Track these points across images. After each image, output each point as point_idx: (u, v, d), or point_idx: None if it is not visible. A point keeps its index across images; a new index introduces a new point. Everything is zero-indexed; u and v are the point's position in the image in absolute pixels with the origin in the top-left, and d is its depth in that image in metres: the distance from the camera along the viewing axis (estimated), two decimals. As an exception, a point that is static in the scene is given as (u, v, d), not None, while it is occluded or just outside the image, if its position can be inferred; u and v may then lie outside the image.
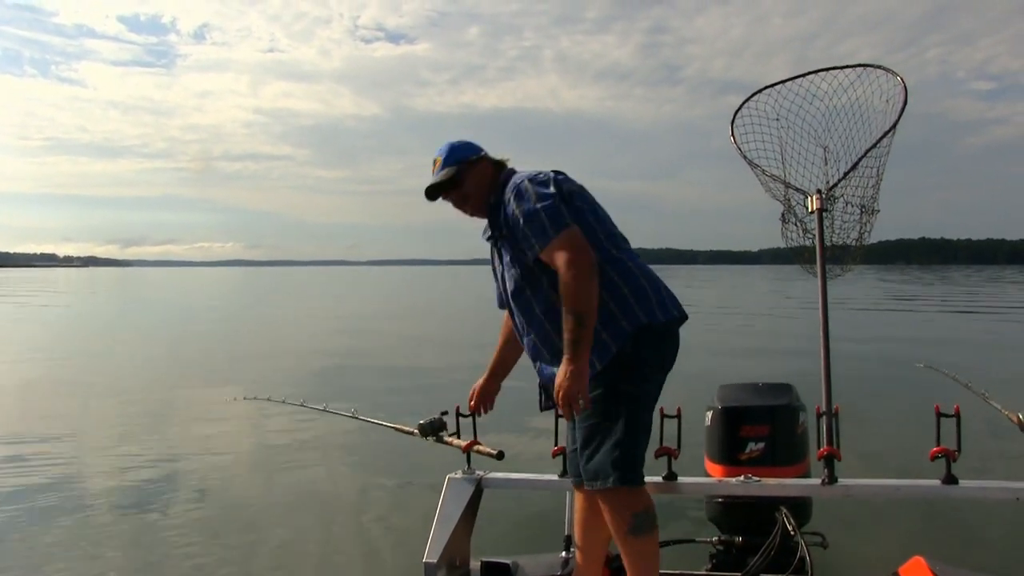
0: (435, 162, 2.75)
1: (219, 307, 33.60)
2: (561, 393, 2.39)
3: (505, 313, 2.93)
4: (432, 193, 2.74)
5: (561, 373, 2.40)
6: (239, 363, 13.50)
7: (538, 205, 2.49)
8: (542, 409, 2.74)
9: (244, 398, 4.04)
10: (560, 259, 2.43)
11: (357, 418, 3.51)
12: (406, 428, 3.25)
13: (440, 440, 3.11)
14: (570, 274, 2.41)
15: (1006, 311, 25.36)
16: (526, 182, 2.57)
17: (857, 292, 33.74)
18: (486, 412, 3.03)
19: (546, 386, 2.67)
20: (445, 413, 3.14)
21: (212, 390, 10.23)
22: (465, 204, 2.74)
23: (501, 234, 2.65)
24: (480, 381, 3.02)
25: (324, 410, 3.66)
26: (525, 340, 2.74)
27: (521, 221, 2.52)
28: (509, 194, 2.58)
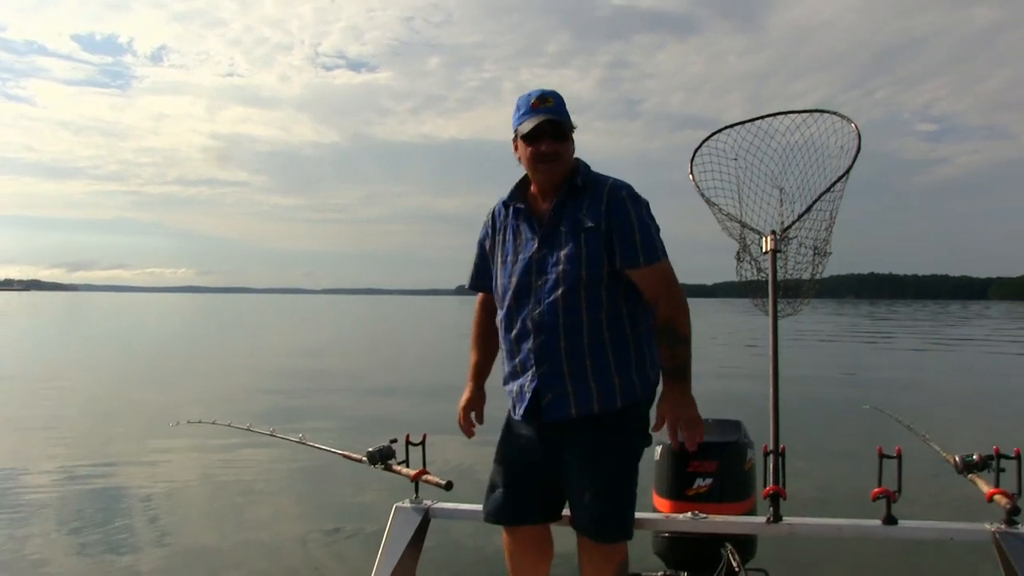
0: (545, 98, 2.51)
1: (165, 334, 32.91)
2: (685, 420, 2.46)
3: (478, 308, 2.89)
4: (555, 128, 2.49)
5: (677, 400, 2.47)
6: (184, 389, 13.21)
7: (653, 223, 2.51)
8: (521, 418, 2.61)
9: (188, 422, 3.95)
10: (666, 283, 2.49)
11: (305, 444, 3.46)
12: (354, 455, 3.20)
13: (388, 468, 3.07)
14: (680, 300, 2.49)
15: (951, 345, 25.91)
16: (640, 195, 2.56)
17: (808, 326, 34.25)
18: (480, 422, 2.88)
19: (539, 391, 2.52)
20: (394, 441, 3.10)
21: (155, 415, 9.97)
22: (556, 160, 2.50)
23: (580, 225, 2.48)
24: (466, 395, 2.87)
25: (271, 435, 3.59)
26: (529, 341, 2.52)
27: (636, 227, 2.45)
28: (622, 193, 2.50)
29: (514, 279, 2.56)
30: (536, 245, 2.53)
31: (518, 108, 2.54)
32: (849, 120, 3.24)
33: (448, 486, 2.88)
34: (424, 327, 39.59)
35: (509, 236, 2.63)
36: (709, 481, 3.09)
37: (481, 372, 2.90)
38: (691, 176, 3.43)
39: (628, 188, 2.54)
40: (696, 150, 3.44)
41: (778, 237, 3.20)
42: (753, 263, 3.34)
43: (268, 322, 46.59)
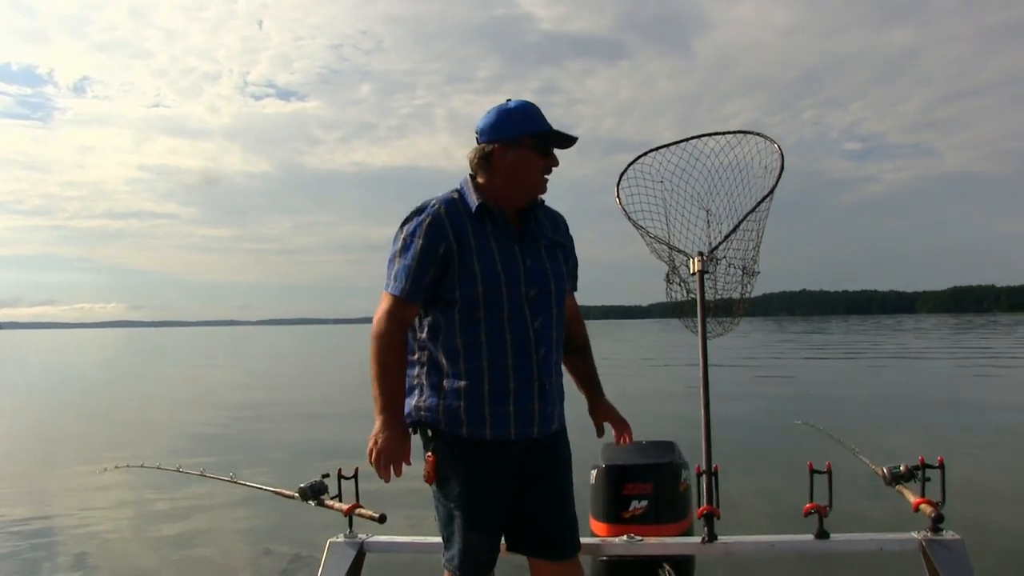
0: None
1: (94, 371, 31.83)
2: (627, 424, 2.71)
3: (401, 328, 2.44)
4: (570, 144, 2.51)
5: (610, 405, 2.72)
6: (113, 430, 12.77)
7: None
8: (509, 439, 2.40)
9: (116, 467, 3.83)
10: (577, 306, 2.74)
11: (236, 482, 3.37)
12: (286, 492, 3.14)
13: (321, 503, 3.01)
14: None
15: (881, 359, 26.55)
16: None
17: (741, 344, 34.81)
18: (408, 463, 2.40)
19: (527, 412, 2.41)
20: (327, 475, 3.05)
21: (82, 459, 9.58)
22: (548, 175, 2.50)
23: (555, 243, 2.57)
24: (392, 434, 2.37)
25: (201, 475, 3.50)
26: (531, 354, 2.41)
27: (574, 254, 2.69)
28: (560, 215, 2.67)
29: (505, 288, 2.38)
30: (519, 253, 2.44)
31: (527, 116, 2.43)
32: (772, 140, 3.31)
33: (382, 519, 2.83)
34: (358, 356, 39.15)
35: (483, 240, 2.41)
36: (645, 503, 3.10)
37: (402, 402, 2.49)
38: (618, 200, 3.46)
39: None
40: (622, 173, 3.47)
41: (706, 258, 3.25)
42: (682, 284, 3.38)
43: (200, 356, 45.53)
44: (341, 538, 2.94)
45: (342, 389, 20.63)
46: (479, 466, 2.42)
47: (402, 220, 2.46)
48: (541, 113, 2.46)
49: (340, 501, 2.99)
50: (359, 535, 2.94)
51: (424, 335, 2.47)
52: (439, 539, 2.88)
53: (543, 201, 2.56)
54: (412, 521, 2.80)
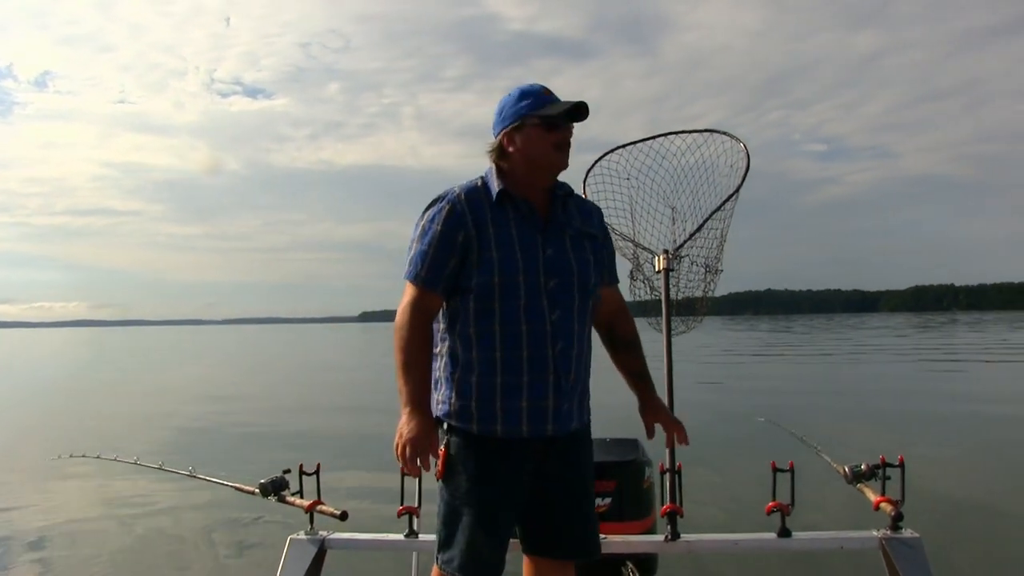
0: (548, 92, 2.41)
1: (52, 370, 31.34)
2: (677, 422, 2.56)
3: (424, 317, 2.36)
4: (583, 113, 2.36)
5: (662, 404, 2.60)
6: (71, 427, 12.61)
7: None
8: (525, 436, 2.29)
9: (71, 456, 3.75)
10: (624, 301, 2.67)
11: (196, 476, 3.32)
12: (247, 487, 3.10)
13: (282, 500, 2.97)
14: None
15: (845, 357, 26.90)
16: None
17: (707, 342, 35.08)
18: (436, 456, 2.32)
19: (540, 409, 2.29)
20: (287, 471, 3.01)
21: (38, 453, 9.42)
22: (567, 150, 2.38)
23: (585, 232, 2.44)
24: (418, 426, 2.25)
25: (160, 468, 3.44)
26: (549, 347, 2.29)
27: (613, 248, 2.63)
28: (600, 213, 2.61)
29: (523, 277, 2.29)
30: (541, 242, 2.34)
31: (524, 96, 2.37)
32: (738, 140, 3.32)
33: (343, 516, 2.80)
34: (323, 354, 39.04)
35: (503, 227, 2.33)
36: (608, 500, 3.09)
37: (428, 393, 2.38)
38: (584, 196, 3.45)
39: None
40: (589, 170, 3.47)
41: (670, 256, 3.25)
42: (646, 282, 3.38)
43: (163, 355, 45.02)
44: (302, 535, 2.90)
45: (304, 387, 20.54)
46: (490, 464, 2.31)
47: (424, 208, 2.41)
48: (544, 90, 2.38)
49: (301, 497, 2.95)
50: (320, 532, 2.91)
51: (444, 326, 2.38)
52: (401, 537, 2.86)
53: (571, 191, 2.48)
54: (374, 519, 2.79)
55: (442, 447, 2.34)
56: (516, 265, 2.29)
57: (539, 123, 2.32)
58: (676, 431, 2.55)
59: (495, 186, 2.36)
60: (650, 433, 2.56)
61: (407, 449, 2.22)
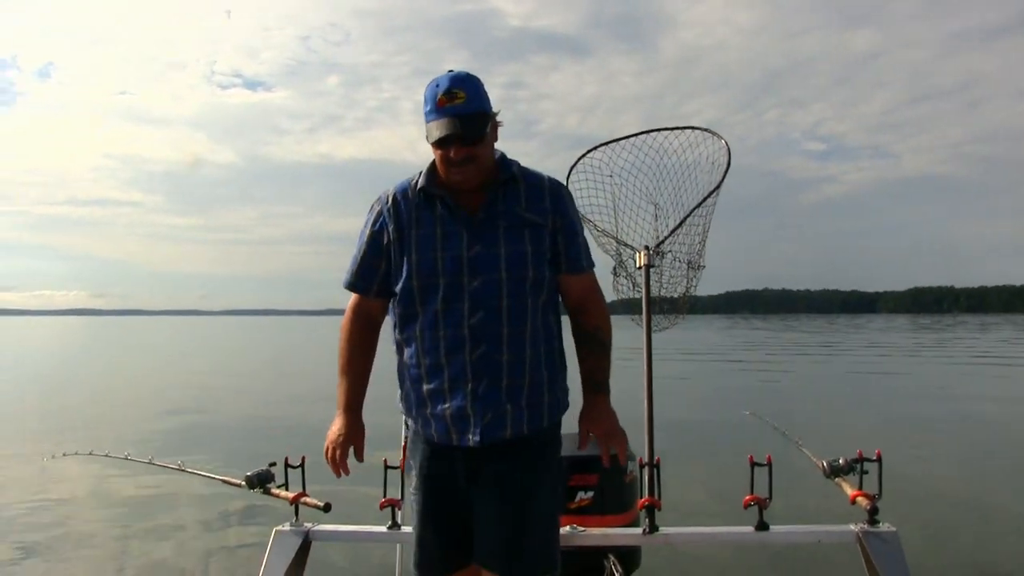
0: (454, 94, 2.13)
1: (50, 359, 31.40)
2: (616, 434, 2.31)
3: (353, 317, 2.38)
4: (468, 130, 2.12)
5: (604, 413, 2.32)
6: (65, 418, 12.60)
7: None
8: (449, 443, 2.21)
9: (64, 454, 3.78)
10: (595, 290, 2.37)
11: (184, 471, 3.36)
12: (233, 480, 3.12)
13: (267, 492, 3.00)
14: (606, 309, 2.35)
15: (837, 355, 26.91)
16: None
17: (704, 340, 35.06)
18: (360, 459, 2.39)
19: (478, 411, 2.17)
20: (273, 464, 3.04)
21: (31, 447, 9.50)
22: (469, 164, 2.16)
23: (522, 220, 2.21)
24: (342, 425, 2.35)
25: (150, 463, 3.47)
26: (464, 352, 2.17)
27: (577, 230, 2.31)
28: (562, 191, 2.32)
29: (442, 279, 2.18)
30: (467, 240, 2.18)
31: (425, 101, 2.17)
32: (719, 136, 3.35)
33: (327, 508, 2.83)
34: (316, 346, 39.04)
35: (427, 227, 2.23)
36: (591, 494, 3.12)
37: (358, 397, 2.41)
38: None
39: (565, 187, 2.37)
40: (572, 167, 3.49)
41: (652, 252, 3.27)
42: (629, 278, 3.40)
43: (159, 345, 45.02)
44: (287, 527, 2.93)
45: (295, 379, 20.58)
46: (430, 463, 2.28)
47: None
48: (438, 100, 2.14)
49: (286, 490, 2.98)
50: (305, 524, 2.93)
51: (391, 328, 2.35)
52: (383, 528, 2.90)
53: (515, 176, 2.26)
54: (358, 510, 2.82)
55: (403, 439, 2.44)
56: (434, 267, 2.19)
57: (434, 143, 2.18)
58: (614, 444, 2.32)
59: (421, 181, 2.26)
60: (582, 443, 2.37)
61: (327, 451, 2.32)
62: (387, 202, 2.29)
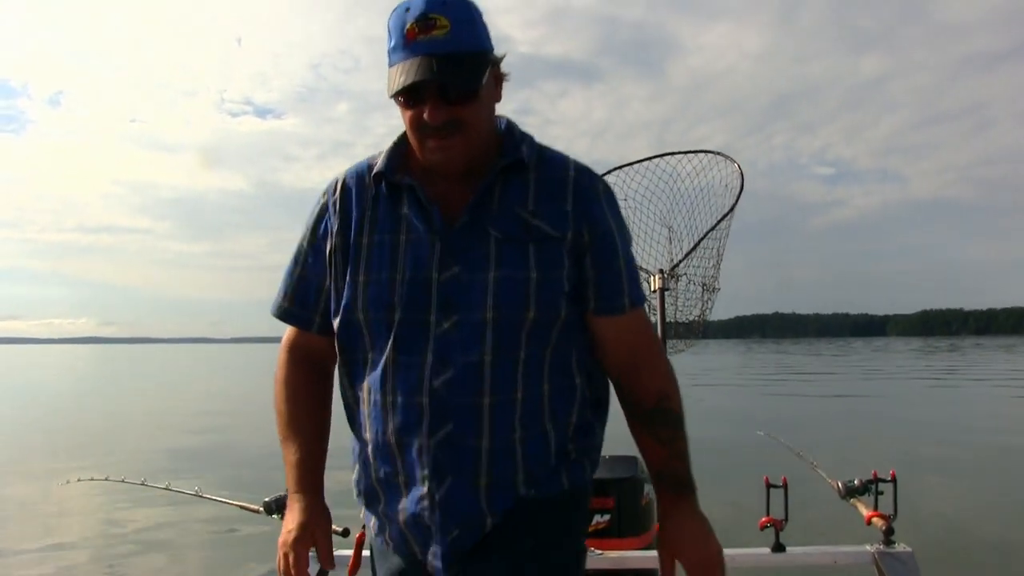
0: (431, 21, 1.35)
1: (62, 387, 31.62)
2: (712, 562, 1.61)
3: (287, 360, 1.65)
4: (453, 76, 1.37)
5: (700, 530, 1.59)
6: (79, 446, 12.71)
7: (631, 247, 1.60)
8: (426, 561, 1.52)
9: (79, 480, 3.81)
10: (649, 335, 1.62)
11: (201, 496, 3.37)
12: (251, 506, 3.13)
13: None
14: (669, 366, 1.60)
15: (849, 376, 26.83)
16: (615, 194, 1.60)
17: (716, 363, 34.97)
18: (328, 565, 1.70)
19: (418, 525, 1.50)
20: (291, 489, 3.05)
21: (47, 474, 9.56)
22: (454, 134, 1.41)
23: (526, 229, 1.45)
24: (297, 517, 1.64)
25: (167, 488, 3.48)
26: (422, 432, 1.44)
27: (617, 247, 1.52)
28: (598, 187, 1.53)
29: (398, 314, 1.44)
30: (439, 255, 1.44)
31: (389, 34, 1.41)
32: (732, 160, 3.38)
33: (345, 533, 2.83)
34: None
35: (383, 232, 1.50)
36: (607, 517, 3.12)
37: (315, 472, 1.67)
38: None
39: (603, 180, 1.58)
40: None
41: (667, 275, 3.30)
42: (646, 304, 3.42)
43: (170, 373, 45.24)
44: (305, 552, 2.94)
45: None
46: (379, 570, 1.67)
47: None
48: (406, 25, 1.37)
49: (304, 515, 2.98)
50: (322, 549, 2.93)
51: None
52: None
53: (522, 159, 1.50)
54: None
55: (360, 530, 1.85)
56: (387, 294, 1.45)
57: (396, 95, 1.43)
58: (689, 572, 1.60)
59: (379, 164, 1.52)
60: (666, 574, 1.65)
61: (279, 559, 1.59)
62: (333, 192, 1.57)
